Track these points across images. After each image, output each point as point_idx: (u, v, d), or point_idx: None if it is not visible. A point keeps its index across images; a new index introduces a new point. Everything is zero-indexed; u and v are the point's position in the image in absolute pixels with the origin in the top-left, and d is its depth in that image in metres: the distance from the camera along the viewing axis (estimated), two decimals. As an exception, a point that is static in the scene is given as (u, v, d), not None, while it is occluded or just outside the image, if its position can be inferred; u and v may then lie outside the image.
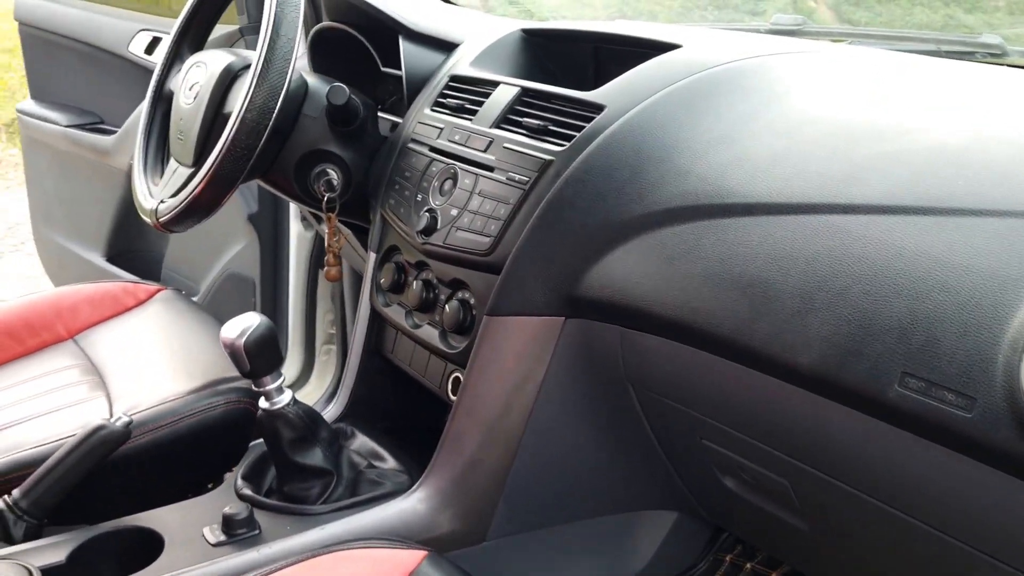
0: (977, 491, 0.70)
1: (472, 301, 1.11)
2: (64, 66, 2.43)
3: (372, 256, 1.30)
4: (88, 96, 2.41)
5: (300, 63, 1.50)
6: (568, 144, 1.05)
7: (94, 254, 2.38)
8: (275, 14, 1.17)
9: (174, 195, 1.30)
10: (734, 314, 0.85)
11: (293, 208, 2.00)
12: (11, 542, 1.02)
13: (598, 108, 1.05)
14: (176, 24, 1.44)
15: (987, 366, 0.66)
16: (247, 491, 1.11)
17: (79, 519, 1.13)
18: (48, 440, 1.19)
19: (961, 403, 0.67)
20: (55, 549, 0.99)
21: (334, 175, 1.32)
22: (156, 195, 1.37)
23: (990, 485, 0.68)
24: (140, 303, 1.62)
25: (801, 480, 0.90)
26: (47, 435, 1.22)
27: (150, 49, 2.15)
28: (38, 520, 1.05)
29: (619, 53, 1.24)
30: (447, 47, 1.38)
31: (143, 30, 2.18)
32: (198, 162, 1.30)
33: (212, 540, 1.02)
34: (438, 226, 1.15)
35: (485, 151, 1.14)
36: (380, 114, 1.41)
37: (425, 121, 1.27)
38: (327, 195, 1.31)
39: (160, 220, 1.31)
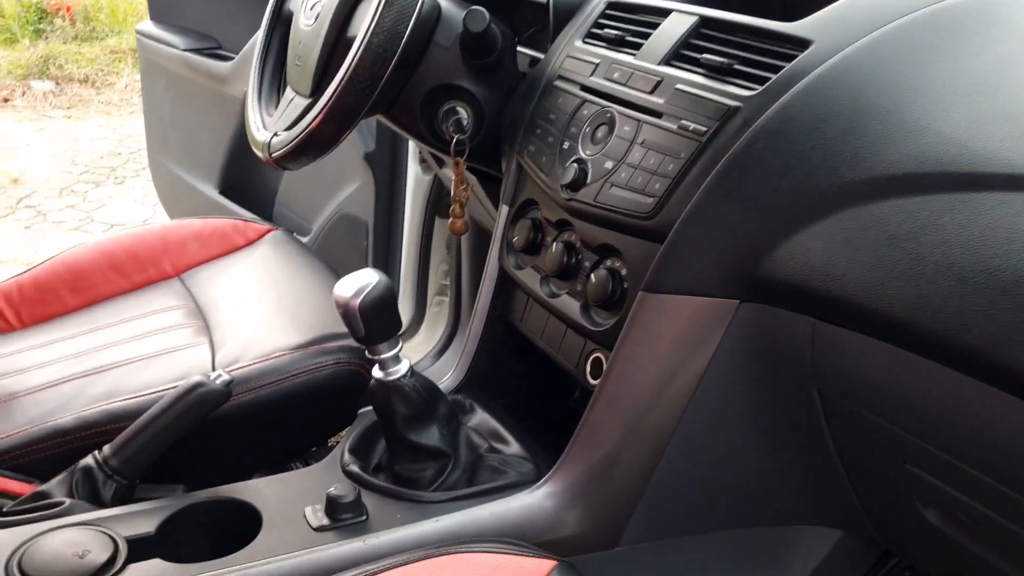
0: None
1: (624, 272, 0.94)
2: (184, -14, 2.34)
3: (504, 210, 1.14)
4: (207, 20, 2.31)
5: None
6: (760, 88, 0.86)
7: (207, 186, 2.30)
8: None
9: (289, 128, 1.16)
10: (989, 319, 0.65)
11: (412, 148, 1.85)
12: (99, 503, 0.92)
13: (803, 43, 0.85)
14: (300, -64, 1.29)
15: None
16: (354, 467, 0.98)
17: (172, 480, 1.03)
18: (146, 390, 1.09)
19: None
20: (144, 518, 0.89)
21: (464, 114, 1.15)
22: (270, 127, 1.24)
23: None
24: (249, 243, 1.52)
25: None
26: (145, 383, 1.12)
27: (272, -30, 2.02)
28: (129, 481, 0.95)
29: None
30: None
31: (266, -51, 2.06)
32: (316, 92, 1.16)
33: (314, 523, 0.89)
34: (588, 180, 0.97)
35: (651, 93, 0.96)
36: (519, 48, 1.23)
37: (576, 55, 1.09)
38: (456, 136, 1.15)
39: (273, 155, 1.18)
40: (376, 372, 0.97)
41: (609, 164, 0.96)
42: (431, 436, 0.98)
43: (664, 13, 1.02)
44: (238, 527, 0.92)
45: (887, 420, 0.81)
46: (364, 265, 2.05)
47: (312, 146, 1.13)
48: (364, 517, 0.91)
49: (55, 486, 0.93)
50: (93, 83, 5.12)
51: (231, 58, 2.16)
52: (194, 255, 1.47)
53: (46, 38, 5.42)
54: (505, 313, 1.15)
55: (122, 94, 5.02)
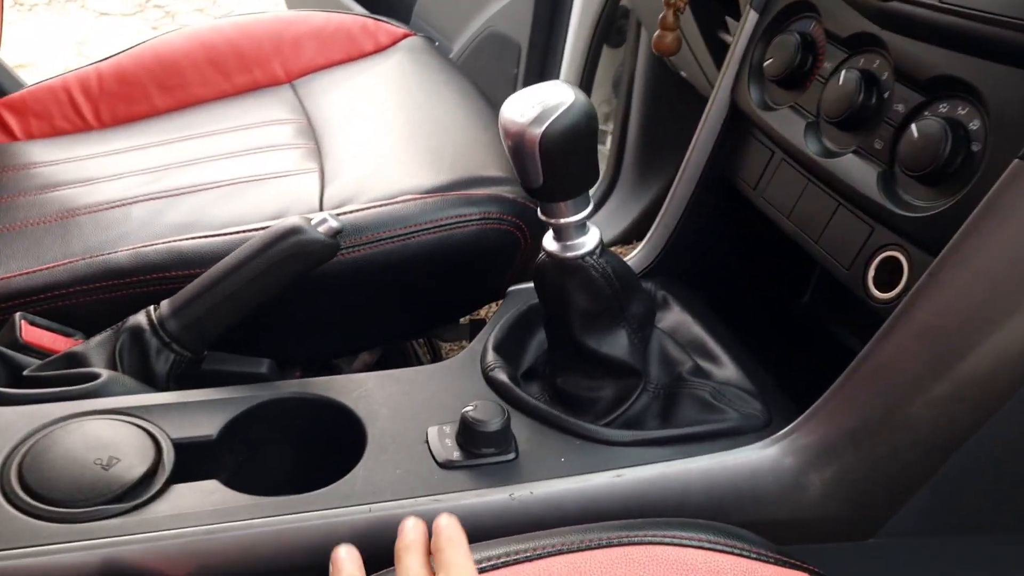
0: None
1: (975, 126, 0.57)
2: None
3: (751, 18, 0.77)
4: None
5: None
6: None
7: (336, -14, 1.97)
8: None
9: None
10: None
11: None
12: (149, 381, 0.66)
13: None
14: None
15: None
16: (501, 375, 0.68)
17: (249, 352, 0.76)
18: (231, 225, 0.81)
19: None
20: (205, 412, 0.62)
21: None
22: None
23: None
24: (380, 49, 1.19)
25: None
26: (232, 216, 0.84)
27: None
28: (192, 353, 0.68)
29: None
30: None
31: None
32: None
33: (440, 454, 0.61)
34: (925, -32, 0.59)
35: None
36: None
37: None
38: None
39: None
40: (549, 242, 0.65)
41: (971, -58, 0.57)
42: (617, 344, 0.67)
43: None
44: (332, 440, 0.64)
45: None
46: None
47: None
48: (512, 455, 0.61)
49: (95, 348, 0.67)
50: None
51: None
52: (311, 58, 1.16)
53: None
54: (730, 172, 0.80)
55: None
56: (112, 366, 0.65)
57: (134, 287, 0.74)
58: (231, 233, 0.78)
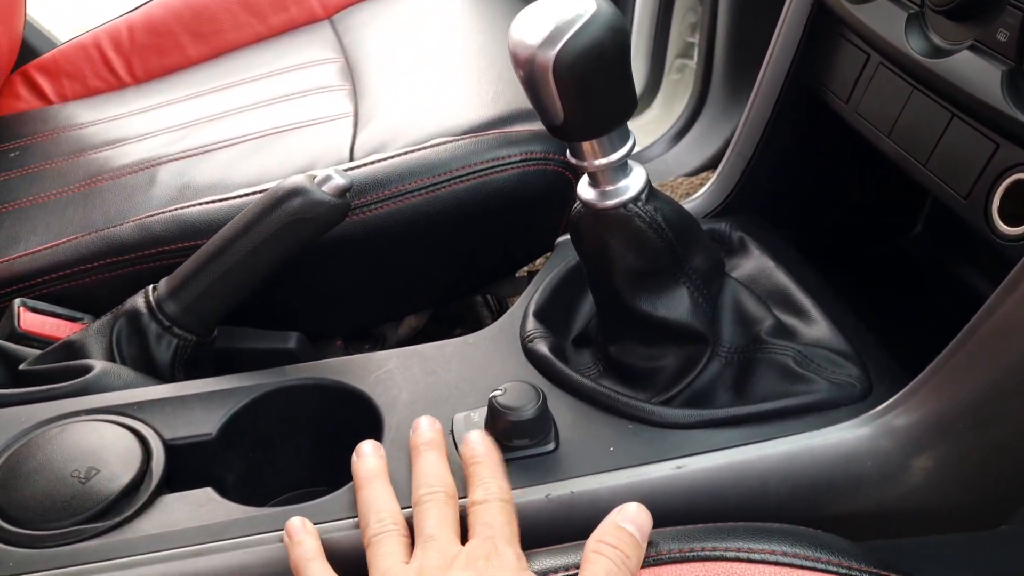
0: None
1: None
2: None
3: None
4: None
5: None
6: None
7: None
8: None
9: None
10: None
11: None
12: (152, 369, 0.60)
13: None
14: None
15: None
16: (542, 346, 0.58)
17: (282, 326, 0.69)
18: (249, 184, 0.73)
19: None
20: (200, 409, 0.54)
21: None
22: None
23: None
24: (425, -28, 1.08)
25: None
26: (256, 172, 0.76)
27: None
28: (197, 335, 0.61)
29: None
30: None
31: None
32: None
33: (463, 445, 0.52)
34: None
35: None
36: None
37: None
38: None
39: None
40: (584, 189, 0.54)
41: None
42: (677, 305, 0.56)
43: None
44: (350, 432, 0.56)
45: None
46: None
47: None
48: (551, 446, 0.52)
49: (93, 336, 0.60)
50: None
51: None
52: (351, -12, 1.07)
53: None
54: (818, 82, 0.66)
55: None
56: (110, 355, 0.59)
57: (140, 263, 0.68)
58: (239, 196, 0.70)
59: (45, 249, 0.70)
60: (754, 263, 0.66)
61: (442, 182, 0.68)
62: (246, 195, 0.70)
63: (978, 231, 0.52)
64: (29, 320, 0.63)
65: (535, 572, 0.44)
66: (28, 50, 1.06)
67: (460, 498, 0.48)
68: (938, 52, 0.53)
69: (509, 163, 0.69)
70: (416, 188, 0.68)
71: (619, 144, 0.51)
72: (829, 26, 0.64)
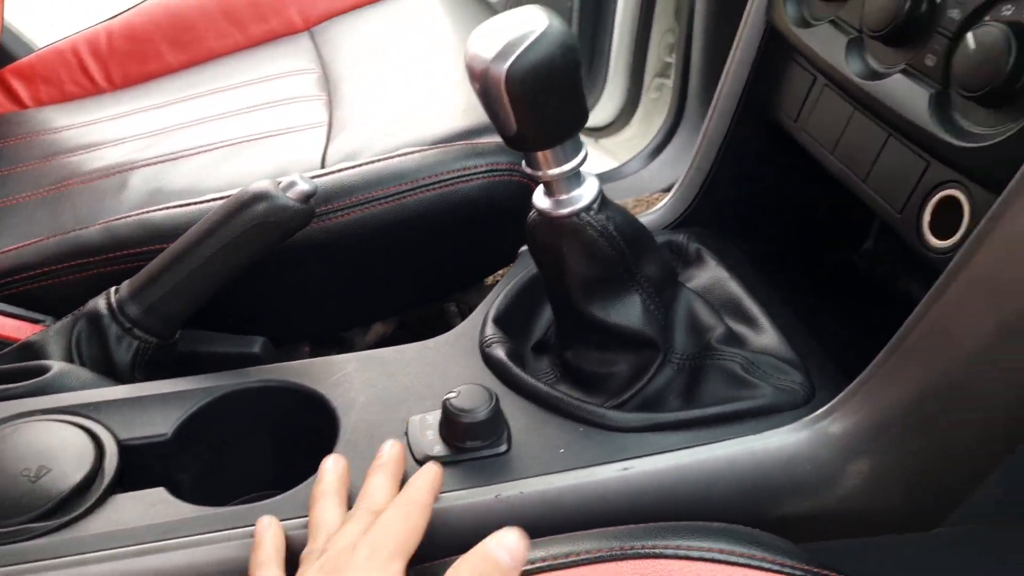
0: None
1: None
2: None
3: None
4: None
5: None
6: None
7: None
8: None
9: None
10: None
11: None
12: (111, 371, 0.61)
13: None
14: None
15: None
16: (499, 351, 0.60)
17: (249, 330, 0.70)
18: (219, 190, 0.75)
19: None
20: (157, 409, 0.56)
21: None
22: None
23: None
24: (404, -13, 1.10)
25: None
26: (228, 178, 0.78)
27: None
28: (158, 338, 0.62)
29: None
30: None
31: None
32: None
33: (419, 450, 0.53)
34: None
35: None
36: None
37: None
38: None
39: None
40: (539, 198, 0.56)
41: None
42: (629, 312, 0.58)
43: None
44: (307, 434, 0.58)
45: None
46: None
47: None
48: (503, 448, 0.54)
49: (53, 337, 0.62)
50: None
51: None
52: (332, 1, 1.08)
53: None
54: (768, 104, 0.69)
55: None
56: (70, 357, 0.60)
57: (105, 265, 0.69)
58: (206, 201, 0.72)
59: (11, 250, 0.71)
60: (709, 274, 0.68)
61: (408, 191, 0.70)
62: (213, 200, 0.71)
63: (911, 244, 0.54)
64: (-7, 320, 0.64)
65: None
66: (5, 54, 1.08)
67: None
68: (874, 75, 0.56)
69: (475, 173, 0.71)
70: (382, 196, 0.70)
71: (572, 155, 0.53)
72: (780, 49, 0.66)
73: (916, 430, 0.51)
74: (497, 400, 0.53)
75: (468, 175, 0.72)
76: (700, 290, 0.66)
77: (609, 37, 1.60)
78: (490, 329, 0.62)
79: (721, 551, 0.46)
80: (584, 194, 0.54)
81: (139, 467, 0.52)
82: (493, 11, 1.06)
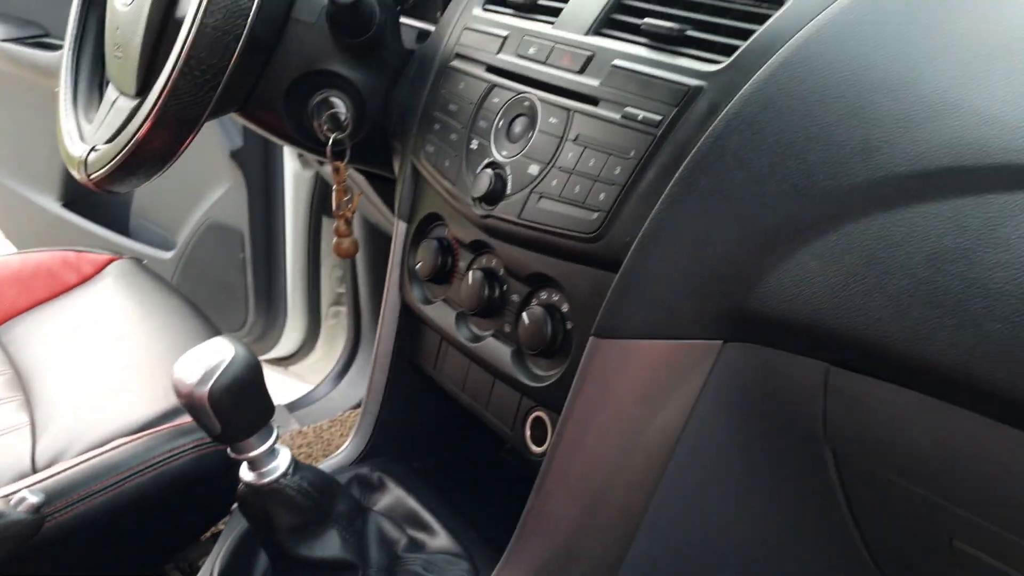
0: None
1: (566, 309, 0.71)
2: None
3: (401, 227, 0.90)
4: (29, 2, 1.95)
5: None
6: (727, 60, 0.64)
7: (47, 199, 1.96)
8: None
9: (111, 139, 0.89)
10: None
11: (287, 143, 1.58)
12: None
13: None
14: None
15: None
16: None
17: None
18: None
19: None
20: None
21: (341, 106, 0.91)
22: (88, 138, 0.96)
23: None
24: (85, 279, 1.22)
25: None
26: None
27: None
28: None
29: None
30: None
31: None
32: (143, 91, 0.88)
33: None
34: (508, 191, 0.74)
35: (581, 72, 0.73)
36: (403, 19, 0.98)
37: (476, 27, 0.85)
38: (332, 135, 0.91)
39: (92, 176, 0.90)
40: (245, 473, 0.72)
41: (534, 169, 0.73)
42: (329, 545, 0.74)
43: (586, -36, 0.79)
44: None
45: (932, 490, 0.61)
46: (243, 281, 1.79)
47: (142, 161, 0.86)
48: None
49: None
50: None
51: (61, 46, 1.81)
52: (12, 302, 1.17)
53: None
54: (414, 356, 0.91)
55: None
56: None
57: None
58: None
59: None
60: (392, 495, 0.87)
61: (125, 479, 0.82)
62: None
63: (521, 452, 0.77)
64: None
65: None
66: None
67: None
68: (476, 339, 0.80)
69: (184, 451, 0.85)
70: (102, 488, 0.81)
71: (266, 437, 0.70)
72: (415, 317, 0.90)
73: (547, 586, 0.72)
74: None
75: (177, 454, 0.85)
76: (385, 511, 0.84)
77: (283, 276, 1.79)
78: (218, 580, 0.75)
79: None
80: (280, 464, 0.72)
81: None
82: (168, 291, 1.20)
